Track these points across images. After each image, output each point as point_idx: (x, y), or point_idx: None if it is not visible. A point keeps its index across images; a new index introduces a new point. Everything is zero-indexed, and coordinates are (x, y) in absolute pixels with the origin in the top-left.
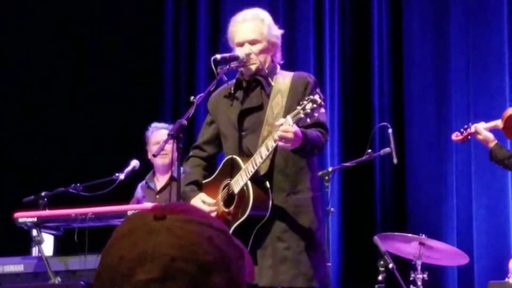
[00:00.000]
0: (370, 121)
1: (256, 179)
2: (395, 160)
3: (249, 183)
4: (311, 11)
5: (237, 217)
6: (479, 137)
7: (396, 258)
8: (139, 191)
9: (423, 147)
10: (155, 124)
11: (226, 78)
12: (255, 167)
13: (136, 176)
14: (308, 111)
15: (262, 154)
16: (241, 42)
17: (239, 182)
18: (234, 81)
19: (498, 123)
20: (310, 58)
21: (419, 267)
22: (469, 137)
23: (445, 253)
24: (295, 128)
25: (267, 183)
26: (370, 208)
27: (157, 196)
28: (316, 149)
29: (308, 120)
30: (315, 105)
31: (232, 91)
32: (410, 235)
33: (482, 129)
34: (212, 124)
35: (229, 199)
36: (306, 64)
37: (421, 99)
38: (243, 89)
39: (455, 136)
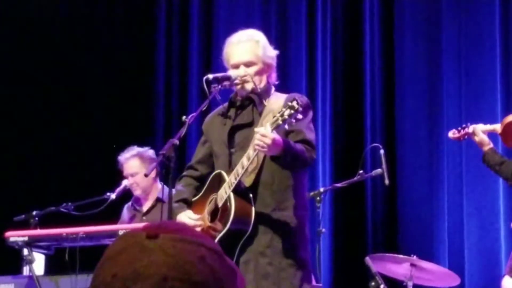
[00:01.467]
0: (361, 142)
1: (239, 191)
2: (386, 181)
3: (231, 195)
4: (304, 30)
5: (219, 230)
6: (475, 138)
7: (387, 279)
8: (125, 213)
9: (415, 168)
10: (121, 155)
11: (220, 97)
12: (237, 178)
13: (128, 196)
14: (286, 117)
15: (243, 164)
16: (236, 64)
17: (223, 195)
18: (228, 101)
19: (497, 127)
20: (302, 78)
21: None
22: (466, 136)
23: (437, 274)
24: (274, 135)
25: (251, 196)
26: (362, 228)
27: (144, 218)
28: (299, 162)
29: (286, 126)
30: (292, 111)
31: (226, 110)
32: (401, 256)
33: (480, 131)
34: (205, 144)
35: (214, 213)
36: (298, 83)
37: (413, 120)
38: (236, 107)
39: (452, 134)
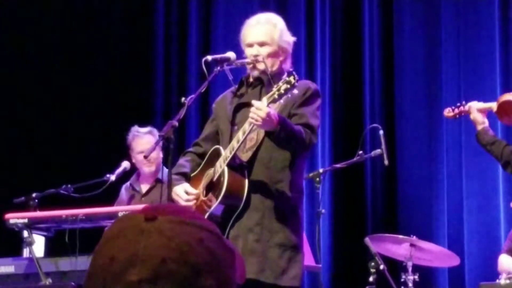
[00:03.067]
0: (361, 123)
1: (234, 166)
2: (386, 162)
3: (225, 169)
4: (302, 14)
5: (211, 204)
6: (471, 116)
7: (387, 260)
8: (123, 193)
9: (415, 149)
10: (136, 129)
11: (232, 77)
12: (232, 152)
13: (127, 178)
14: (282, 91)
15: (239, 137)
16: (250, 43)
17: (218, 169)
18: (238, 82)
19: (493, 105)
20: (301, 60)
21: (410, 269)
22: (462, 114)
23: (436, 254)
24: (269, 109)
25: (246, 171)
26: (361, 209)
27: (143, 199)
28: (294, 141)
29: (282, 101)
30: (288, 86)
31: (235, 90)
32: (401, 236)
33: (475, 109)
34: (213, 122)
35: (209, 187)
36: (297, 66)
37: (412, 100)
38: (246, 86)
39: (447, 112)
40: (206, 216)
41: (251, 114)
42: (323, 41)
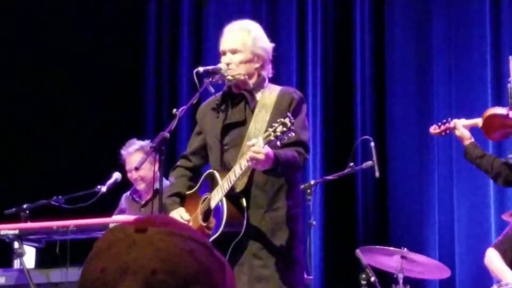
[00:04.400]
0: (352, 135)
1: (232, 195)
2: (377, 174)
3: (224, 200)
4: (294, 25)
5: (212, 232)
6: (456, 132)
7: (378, 272)
8: (122, 202)
9: (406, 161)
10: (125, 149)
11: (213, 90)
12: (230, 185)
13: (118, 189)
14: (278, 133)
15: (236, 172)
16: (223, 51)
17: (216, 197)
18: (221, 93)
19: (478, 121)
20: (292, 71)
21: (401, 281)
22: (448, 131)
23: (427, 267)
24: (266, 149)
25: (243, 201)
26: (352, 221)
27: (142, 209)
28: (290, 170)
29: (278, 143)
30: (284, 129)
31: (219, 103)
32: (392, 248)
33: (461, 125)
34: (199, 135)
35: (207, 213)
36: (289, 77)
37: (403, 112)
38: (229, 103)
39: (433, 129)
40: None
41: (249, 156)
42: (315, 53)
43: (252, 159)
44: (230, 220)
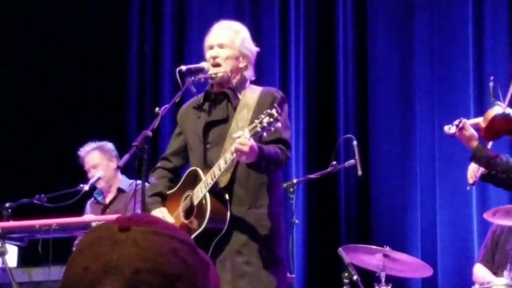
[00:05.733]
0: (335, 133)
1: (215, 191)
2: (359, 172)
3: (207, 195)
4: (277, 23)
5: (195, 228)
6: (465, 133)
7: (360, 270)
8: (88, 209)
9: (388, 159)
10: (83, 149)
11: (195, 90)
12: (214, 179)
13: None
14: (265, 124)
15: (220, 166)
16: (210, 45)
17: (199, 194)
18: (203, 93)
19: (480, 121)
20: (275, 70)
21: (383, 279)
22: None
23: (409, 265)
24: (251, 142)
25: (226, 196)
26: (335, 219)
27: (108, 210)
28: (273, 165)
29: (265, 134)
30: (271, 119)
31: (201, 103)
32: (374, 247)
33: (469, 125)
34: (180, 136)
35: (189, 210)
36: (271, 76)
37: (385, 111)
38: (211, 101)
39: (448, 129)
40: None
41: (235, 147)
42: (297, 52)
43: (237, 150)
44: (214, 215)
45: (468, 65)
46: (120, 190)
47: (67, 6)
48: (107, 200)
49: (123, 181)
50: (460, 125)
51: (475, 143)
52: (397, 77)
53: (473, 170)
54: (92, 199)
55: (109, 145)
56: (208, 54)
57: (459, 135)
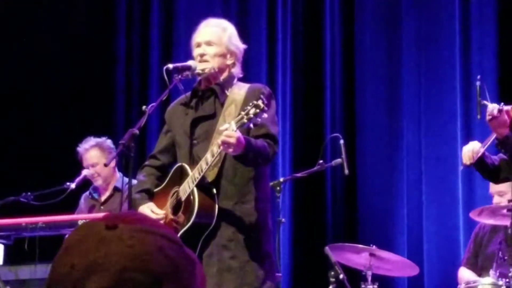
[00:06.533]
0: (321, 132)
1: (202, 186)
2: (346, 171)
3: (195, 190)
4: (264, 21)
5: (183, 224)
6: (504, 119)
7: (346, 269)
8: (82, 203)
9: (374, 158)
10: (81, 146)
11: (182, 87)
12: (201, 174)
13: (87, 186)
14: (251, 115)
15: (207, 160)
16: (198, 42)
17: (186, 189)
18: (190, 92)
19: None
20: (262, 68)
21: (369, 278)
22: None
23: (396, 264)
24: (238, 133)
25: (214, 190)
26: (321, 218)
27: (102, 207)
28: (260, 158)
29: (251, 125)
30: (257, 110)
31: (188, 100)
32: (360, 246)
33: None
34: (167, 134)
35: (177, 206)
36: (258, 73)
37: (372, 110)
38: (198, 98)
39: (492, 109)
40: (178, 236)
41: (221, 139)
42: (284, 51)
43: (223, 142)
44: (202, 210)
45: (455, 63)
46: (116, 189)
47: (55, 1)
48: (102, 198)
49: (120, 180)
50: (505, 109)
51: (506, 130)
52: (384, 76)
53: (472, 151)
54: (87, 193)
55: (108, 142)
56: (196, 51)
57: (499, 119)
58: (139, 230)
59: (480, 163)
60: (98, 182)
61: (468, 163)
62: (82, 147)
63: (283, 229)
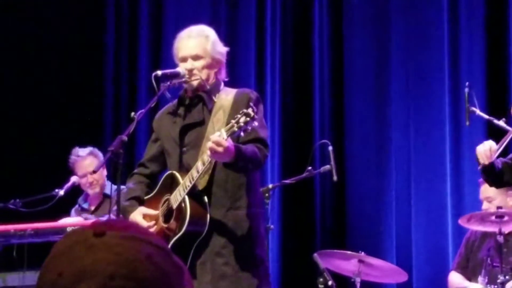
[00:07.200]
0: (310, 138)
1: (194, 194)
2: (335, 178)
3: (186, 198)
4: (253, 26)
5: (175, 232)
6: None
7: (335, 276)
8: (73, 216)
9: (363, 165)
10: (76, 153)
11: (169, 95)
12: (192, 182)
13: (76, 192)
14: (242, 124)
15: (198, 168)
16: (184, 57)
17: (177, 197)
18: (177, 99)
19: None
20: (251, 74)
21: (358, 285)
22: None
23: (384, 271)
24: (228, 143)
25: (205, 198)
26: (310, 225)
27: (93, 215)
28: (251, 164)
29: (242, 133)
30: (248, 118)
31: (175, 108)
32: (349, 252)
33: None
34: (156, 142)
35: (168, 215)
36: (247, 80)
37: (361, 117)
38: (186, 106)
39: None
40: (170, 244)
41: (211, 148)
42: (273, 56)
43: (211, 149)
44: (194, 218)
45: (444, 71)
46: (105, 196)
47: (42, 7)
48: (93, 207)
49: (108, 187)
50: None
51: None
52: (372, 83)
53: (490, 150)
54: (77, 206)
55: (98, 151)
56: (182, 66)
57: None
58: (127, 237)
59: (491, 165)
60: (96, 189)
61: (487, 162)
62: (76, 156)
63: (272, 236)
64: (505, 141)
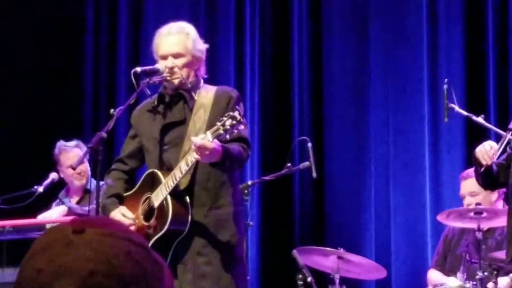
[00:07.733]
0: (289, 135)
1: (176, 193)
2: (314, 174)
3: (168, 197)
4: (232, 22)
5: (156, 231)
6: None
7: (314, 272)
8: None
9: (342, 161)
10: (63, 144)
11: (149, 92)
12: (175, 182)
13: (55, 189)
14: (228, 127)
15: (182, 169)
16: (164, 55)
17: (159, 196)
18: (156, 95)
19: None
20: (230, 71)
21: (337, 281)
22: None
23: (363, 267)
24: (214, 144)
25: (187, 198)
26: (289, 221)
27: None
28: (237, 163)
29: (228, 136)
30: (234, 122)
31: (155, 105)
32: (328, 249)
33: None
34: (135, 138)
35: (149, 213)
36: (227, 76)
37: (340, 113)
38: (166, 103)
39: None
40: (151, 243)
41: (196, 151)
42: (252, 54)
43: (200, 155)
44: (176, 217)
45: (423, 67)
46: (87, 191)
47: (19, 4)
48: (74, 201)
49: (92, 182)
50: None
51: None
52: (352, 80)
53: (492, 149)
54: (57, 201)
55: (83, 144)
56: (162, 63)
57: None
58: (107, 234)
59: (489, 167)
60: (83, 181)
61: (489, 162)
62: (63, 147)
63: (251, 232)
64: (504, 141)
